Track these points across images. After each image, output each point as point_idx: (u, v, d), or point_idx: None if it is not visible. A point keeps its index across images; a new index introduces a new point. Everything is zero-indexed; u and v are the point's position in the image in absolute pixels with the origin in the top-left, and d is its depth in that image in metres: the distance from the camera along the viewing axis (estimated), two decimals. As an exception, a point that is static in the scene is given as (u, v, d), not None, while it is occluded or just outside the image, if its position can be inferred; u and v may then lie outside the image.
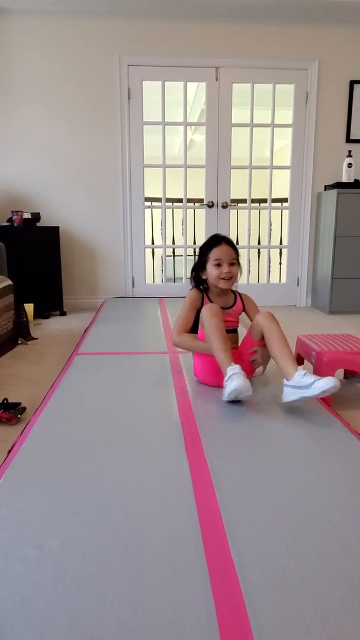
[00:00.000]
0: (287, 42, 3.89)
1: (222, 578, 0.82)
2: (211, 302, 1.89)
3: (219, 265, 1.83)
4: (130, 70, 3.87)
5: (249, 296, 2.01)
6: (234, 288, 1.95)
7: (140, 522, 0.98)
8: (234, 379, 1.56)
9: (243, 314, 1.98)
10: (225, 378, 1.61)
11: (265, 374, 1.99)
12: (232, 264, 1.84)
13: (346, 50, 3.93)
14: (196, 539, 0.92)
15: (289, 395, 1.59)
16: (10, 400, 1.78)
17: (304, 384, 1.54)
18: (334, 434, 1.43)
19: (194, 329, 1.91)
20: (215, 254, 1.84)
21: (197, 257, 1.94)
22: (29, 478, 1.16)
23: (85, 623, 0.73)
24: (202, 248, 1.91)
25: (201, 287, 1.94)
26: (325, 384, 1.49)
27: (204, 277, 1.90)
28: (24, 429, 1.47)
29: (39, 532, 0.94)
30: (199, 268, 1.91)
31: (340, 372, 2.21)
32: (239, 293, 1.99)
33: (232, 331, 1.92)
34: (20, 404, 1.76)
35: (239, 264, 1.88)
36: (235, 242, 1.93)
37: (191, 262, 2.18)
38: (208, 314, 1.74)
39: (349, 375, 2.21)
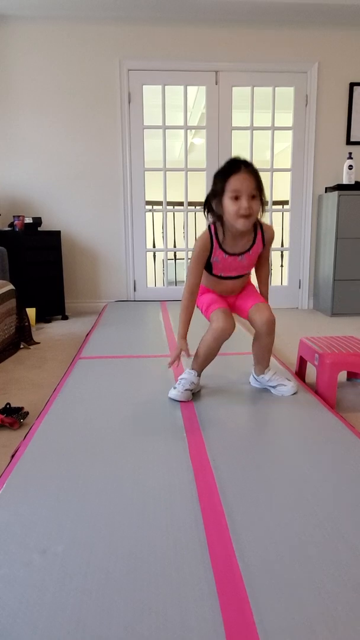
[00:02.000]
0: (286, 45, 3.90)
1: (228, 582, 0.82)
2: (221, 248, 1.62)
3: (236, 198, 1.51)
4: (130, 75, 3.88)
5: (274, 234, 1.72)
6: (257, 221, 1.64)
7: (145, 526, 0.98)
8: (180, 393, 1.71)
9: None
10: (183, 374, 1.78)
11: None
12: (253, 197, 1.52)
13: (345, 53, 3.94)
14: (201, 544, 0.92)
15: (254, 383, 1.89)
16: (13, 405, 1.78)
17: (270, 386, 1.83)
18: (337, 437, 1.42)
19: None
20: (232, 184, 1.51)
21: (211, 186, 1.60)
22: (32, 483, 1.16)
23: (91, 629, 0.72)
24: (217, 175, 1.57)
25: (212, 225, 1.63)
26: (286, 391, 1.78)
27: (218, 211, 1.58)
28: (27, 433, 1.47)
29: (43, 537, 0.94)
30: (212, 199, 1.59)
31: (343, 374, 2.20)
32: (261, 227, 1.68)
33: (243, 275, 1.74)
34: (22, 408, 1.76)
35: (261, 197, 1.55)
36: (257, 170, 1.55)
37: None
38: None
39: (351, 377, 2.20)
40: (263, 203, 1.58)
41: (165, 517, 1.01)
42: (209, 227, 1.65)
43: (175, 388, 1.75)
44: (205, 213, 1.64)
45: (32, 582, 0.82)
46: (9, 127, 3.87)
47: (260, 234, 1.68)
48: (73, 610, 0.76)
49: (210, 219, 1.64)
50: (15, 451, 1.35)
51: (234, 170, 1.52)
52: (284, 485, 1.14)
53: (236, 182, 1.51)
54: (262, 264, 1.81)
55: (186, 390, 1.72)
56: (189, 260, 1.74)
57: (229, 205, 1.53)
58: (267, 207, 4.19)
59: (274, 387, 1.81)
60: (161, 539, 0.93)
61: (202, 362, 1.77)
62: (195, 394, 1.80)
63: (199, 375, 1.79)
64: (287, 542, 0.92)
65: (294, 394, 1.78)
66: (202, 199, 1.69)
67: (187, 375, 1.77)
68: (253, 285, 1.86)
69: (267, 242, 1.71)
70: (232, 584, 0.81)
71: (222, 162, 1.58)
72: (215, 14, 3.66)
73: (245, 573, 0.84)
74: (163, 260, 4.46)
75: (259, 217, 1.61)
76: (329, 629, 0.72)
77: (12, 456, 1.33)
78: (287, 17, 3.70)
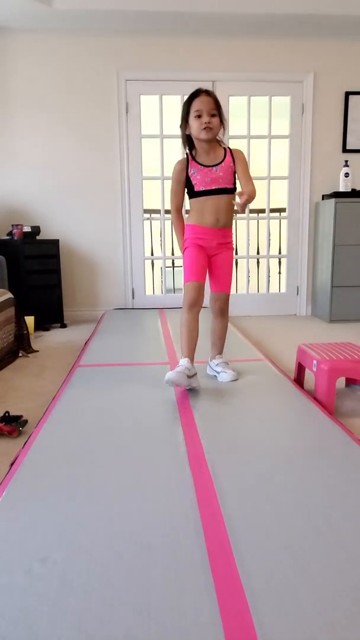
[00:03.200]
0: (282, 55, 3.95)
1: (228, 588, 0.82)
2: (197, 162, 1.92)
3: (199, 116, 1.86)
4: (128, 85, 3.92)
5: (243, 155, 1.97)
6: (222, 144, 1.96)
7: (144, 533, 0.98)
8: (174, 371, 1.80)
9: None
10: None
11: (273, 386, 1.99)
12: (212, 115, 1.86)
13: (340, 63, 3.99)
14: (201, 550, 0.92)
15: (209, 370, 2.13)
16: (11, 413, 1.78)
17: (215, 371, 2.08)
18: (336, 442, 1.42)
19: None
20: (195, 105, 1.86)
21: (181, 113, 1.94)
22: (31, 491, 1.16)
23: (92, 636, 0.72)
24: (184, 104, 1.92)
25: (187, 152, 1.97)
26: (225, 377, 2.02)
27: (187, 132, 1.92)
28: (26, 442, 1.47)
29: (42, 545, 0.94)
30: (183, 124, 1.93)
31: (341, 380, 2.21)
32: (229, 148, 1.97)
33: (224, 191, 1.93)
34: (21, 416, 1.76)
35: (220, 116, 1.88)
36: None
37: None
38: (184, 307, 1.95)
39: (350, 383, 2.21)
40: (222, 120, 1.90)
41: (164, 524, 1.01)
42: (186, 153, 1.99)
43: (169, 373, 1.82)
44: (182, 140, 1.98)
45: (32, 590, 0.82)
46: (8, 136, 3.90)
47: (229, 152, 1.96)
48: (73, 618, 0.76)
49: (187, 149, 1.98)
50: (15, 459, 1.35)
51: (195, 95, 1.88)
52: (282, 491, 1.14)
53: (197, 104, 1.86)
54: (243, 182, 1.94)
55: (179, 372, 1.80)
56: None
57: (193, 123, 1.88)
58: (264, 214, 4.25)
59: (218, 372, 2.06)
60: (161, 546, 0.93)
61: (188, 344, 1.92)
62: (193, 397, 1.82)
63: (191, 361, 1.90)
64: (287, 548, 0.92)
65: (233, 380, 2.00)
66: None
67: (182, 363, 1.87)
68: (230, 265, 2.08)
69: (236, 157, 1.95)
70: (232, 590, 0.81)
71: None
72: (212, 25, 3.71)
73: (244, 579, 0.84)
74: (161, 268, 4.48)
75: (220, 135, 1.93)
76: (329, 635, 0.72)
77: (12, 464, 1.32)
78: (283, 27, 3.75)
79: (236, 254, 4.46)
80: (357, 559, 0.89)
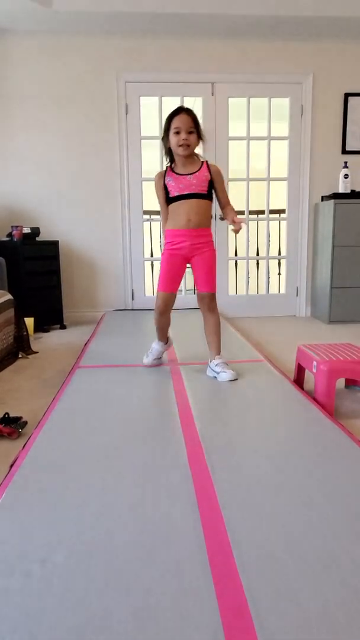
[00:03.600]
0: (282, 57, 3.95)
1: (228, 589, 0.82)
2: (174, 172, 2.09)
3: (177, 133, 2.01)
4: (127, 87, 3.93)
5: (219, 170, 2.14)
6: (201, 159, 2.14)
7: (144, 535, 0.98)
8: (147, 355, 2.33)
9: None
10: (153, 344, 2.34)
11: (272, 386, 1.99)
12: (190, 132, 2.01)
13: (340, 64, 3.99)
14: (201, 550, 0.92)
15: (209, 372, 2.17)
16: (11, 415, 1.78)
17: (215, 372, 2.13)
18: (336, 444, 1.42)
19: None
20: (174, 122, 2.01)
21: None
22: (31, 492, 1.15)
23: (92, 638, 0.72)
24: (166, 119, 2.07)
25: (167, 164, 2.14)
26: (224, 377, 2.07)
27: (168, 145, 2.08)
28: (26, 443, 1.47)
29: (42, 547, 0.94)
30: (164, 137, 2.08)
31: (341, 381, 2.21)
32: (207, 162, 2.13)
33: (197, 196, 2.09)
34: (21, 418, 1.76)
35: (198, 132, 2.04)
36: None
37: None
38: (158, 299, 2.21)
39: (350, 384, 2.21)
40: (200, 136, 2.05)
41: (164, 525, 1.01)
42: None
43: (147, 357, 2.32)
44: (164, 150, 2.13)
45: (31, 592, 0.82)
46: (7, 138, 3.90)
47: (206, 164, 2.12)
48: (73, 620, 0.75)
49: (167, 162, 2.15)
50: (14, 461, 1.35)
51: (175, 113, 2.02)
52: (282, 492, 1.14)
53: (176, 121, 2.00)
54: (221, 196, 2.16)
55: (155, 359, 2.33)
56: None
57: (172, 138, 2.03)
58: (264, 216, 4.25)
59: (218, 373, 2.12)
60: (161, 547, 0.93)
61: (161, 333, 2.33)
62: (193, 400, 1.82)
63: (165, 343, 2.37)
64: (286, 549, 0.92)
65: (232, 380, 2.06)
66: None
67: (156, 346, 2.33)
68: (211, 264, 2.18)
69: (213, 171, 2.11)
70: (232, 591, 0.81)
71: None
72: (212, 27, 3.71)
73: (246, 583, 0.84)
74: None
75: (197, 148, 2.10)
76: (330, 636, 0.72)
77: (11, 466, 1.32)
78: (282, 29, 3.75)
79: (235, 255, 4.49)
80: (357, 560, 0.89)
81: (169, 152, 2.10)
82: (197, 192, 2.07)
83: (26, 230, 3.71)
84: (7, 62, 3.81)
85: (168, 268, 2.17)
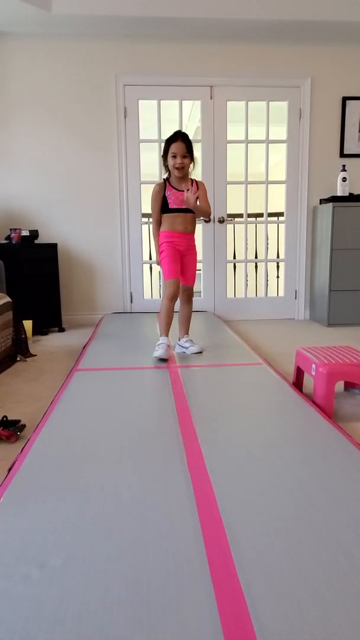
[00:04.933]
0: (280, 60, 3.97)
1: (227, 594, 0.81)
2: (173, 187, 2.53)
3: (174, 156, 2.45)
4: (126, 90, 3.93)
5: (204, 186, 2.61)
6: (192, 177, 2.59)
7: (143, 538, 0.97)
8: (158, 349, 2.46)
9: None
10: (157, 343, 2.52)
11: (271, 389, 1.99)
12: (184, 157, 2.46)
13: (338, 68, 4.01)
14: (200, 555, 0.91)
15: (177, 348, 2.66)
16: (9, 418, 1.77)
17: (184, 347, 2.63)
18: (335, 446, 1.42)
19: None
20: (172, 148, 2.45)
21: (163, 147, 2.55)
22: (29, 496, 1.15)
23: (90, 643, 0.72)
24: (166, 141, 2.50)
25: (165, 178, 2.58)
26: (192, 350, 2.59)
27: (166, 164, 2.51)
28: (24, 446, 1.47)
29: (41, 551, 0.93)
30: (164, 156, 2.52)
31: (340, 384, 2.21)
32: (196, 181, 2.59)
33: (190, 211, 2.54)
34: (19, 421, 1.75)
35: (191, 156, 2.49)
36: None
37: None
38: (165, 293, 2.54)
39: (349, 387, 2.21)
40: (193, 160, 2.52)
41: (164, 529, 1.00)
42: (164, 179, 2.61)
43: (157, 350, 2.46)
44: (164, 166, 2.57)
45: (30, 596, 0.81)
46: (6, 141, 3.91)
47: (195, 183, 2.56)
48: (72, 625, 0.75)
49: (165, 174, 2.59)
50: (13, 464, 1.34)
51: (173, 139, 2.46)
52: (282, 495, 1.13)
53: (174, 147, 2.45)
54: (202, 202, 2.56)
55: (165, 351, 2.47)
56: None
57: (170, 161, 2.49)
58: (262, 219, 4.26)
59: (187, 347, 2.61)
60: (160, 551, 0.93)
61: (165, 325, 2.55)
62: (192, 400, 1.82)
63: (167, 336, 2.56)
64: (286, 552, 0.92)
65: (198, 353, 2.57)
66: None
67: (163, 341, 2.51)
68: (195, 264, 2.70)
69: (200, 187, 2.55)
70: (232, 596, 0.81)
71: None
72: (210, 31, 3.73)
73: (245, 587, 0.83)
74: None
75: (190, 170, 2.55)
76: (328, 637, 0.72)
77: (9, 469, 1.32)
78: (280, 33, 3.77)
79: (234, 257, 4.50)
80: (357, 563, 0.89)
81: (167, 168, 2.54)
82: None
83: (25, 233, 3.71)
84: (7, 65, 3.82)
85: (174, 259, 2.56)
